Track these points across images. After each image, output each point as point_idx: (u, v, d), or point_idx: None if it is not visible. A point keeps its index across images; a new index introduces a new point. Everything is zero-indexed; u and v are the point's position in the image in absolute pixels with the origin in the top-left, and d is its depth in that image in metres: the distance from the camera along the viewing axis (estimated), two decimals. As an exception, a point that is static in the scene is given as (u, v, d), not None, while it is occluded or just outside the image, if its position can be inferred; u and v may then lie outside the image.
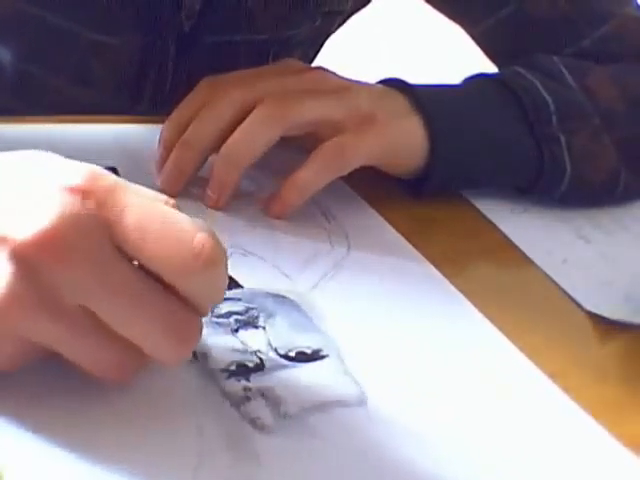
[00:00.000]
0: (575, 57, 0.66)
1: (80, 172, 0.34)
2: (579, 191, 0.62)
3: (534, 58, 0.65)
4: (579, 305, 0.51)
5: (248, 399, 0.37)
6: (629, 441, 0.41)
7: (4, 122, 0.57)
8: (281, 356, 0.40)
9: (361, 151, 0.53)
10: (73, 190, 0.33)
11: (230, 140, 0.51)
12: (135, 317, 0.34)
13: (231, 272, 0.45)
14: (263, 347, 0.40)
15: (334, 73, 0.56)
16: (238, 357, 0.39)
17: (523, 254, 0.56)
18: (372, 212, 0.56)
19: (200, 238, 0.34)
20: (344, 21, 0.75)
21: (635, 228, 0.62)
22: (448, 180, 0.59)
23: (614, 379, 0.47)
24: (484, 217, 0.59)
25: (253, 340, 0.41)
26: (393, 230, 0.54)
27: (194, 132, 0.52)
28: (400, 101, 0.57)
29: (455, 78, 0.64)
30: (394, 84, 0.58)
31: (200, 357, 0.39)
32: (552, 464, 0.38)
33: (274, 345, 0.41)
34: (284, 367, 0.40)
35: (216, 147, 0.52)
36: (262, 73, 0.55)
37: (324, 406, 0.38)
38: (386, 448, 0.36)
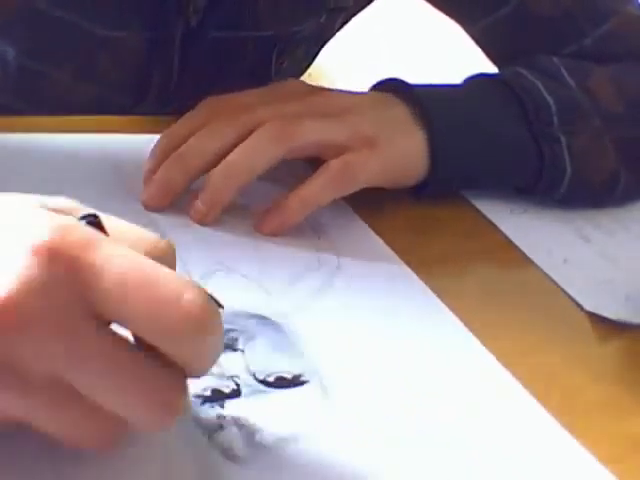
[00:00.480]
0: (576, 56, 0.66)
1: (48, 226, 0.30)
2: (579, 192, 0.62)
3: (535, 59, 0.64)
4: (579, 305, 0.51)
5: (221, 427, 0.36)
6: (629, 441, 0.41)
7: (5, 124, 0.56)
8: (259, 381, 0.39)
9: (367, 171, 0.53)
10: (39, 250, 0.30)
11: (230, 157, 0.50)
12: (113, 387, 0.31)
13: (212, 290, 0.44)
14: (241, 372, 0.39)
15: (337, 91, 0.56)
16: (213, 382, 0.38)
17: (523, 254, 0.55)
18: (363, 226, 0.54)
19: (189, 297, 0.30)
20: (348, 20, 0.74)
21: (635, 228, 0.62)
22: (447, 184, 0.59)
23: (614, 379, 0.47)
24: (484, 217, 0.59)
25: (230, 364, 0.39)
26: (385, 246, 0.52)
27: (190, 147, 0.51)
28: (402, 114, 0.56)
29: (455, 78, 0.63)
30: (394, 87, 0.58)
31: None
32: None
33: (252, 369, 0.39)
34: (261, 393, 0.38)
35: (210, 167, 0.50)
36: (265, 95, 0.54)
37: (299, 436, 0.36)
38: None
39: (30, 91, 0.65)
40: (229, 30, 0.65)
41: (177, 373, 0.32)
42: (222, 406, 0.37)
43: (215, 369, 0.38)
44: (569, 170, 0.61)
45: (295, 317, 0.44)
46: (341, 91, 0.57)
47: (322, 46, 0.75)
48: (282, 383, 0.39)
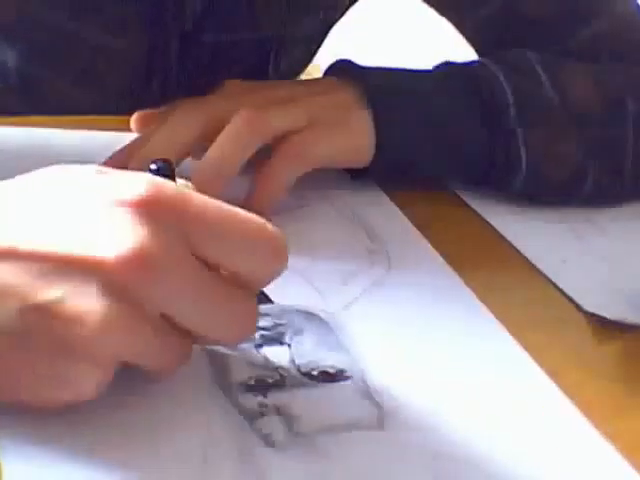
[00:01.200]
0: (562, 55, 0.65)
1: (139, 183, 0.33)
2: (537, 187, 0.61)
3: (507, 52, 0.64)
4: (578, 305, 0.51)
5: (262, 415, 0.37)
6: (629, 440, 0.40)
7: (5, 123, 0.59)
8: (303, 374, 0.40)
9: (318, 149, 0.54)
10: (140, 204, 0.33)
11: (212, 152, 0.51)
12: (207, 315, 0.34)
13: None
14: (286, 364, 0.40)
15: (282, 82, 0.59)
16: (258, 372, 0.39)
17: (522, 254, 0.56)
18: (417, 233, 0.55)
19: (271, 230, 0.35)
20: (343, 14, 0.75)
21: (634, 229, 0.61)
22: (392, 169, 0.59)
23: (613, 379, 0.46)
24: (482, 218, 0.60)
25: (276, 356, 0.40)
26: (436, 253, 0.53)
27: (155, 142, 0.51)
28: (350, 96, 0.57)
29: None
30: (347, 69, 0.59)
31: (220, 369, 0.39)
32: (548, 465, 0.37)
33: (297, 363, 0.40)
34: (305, 385, 0.39)
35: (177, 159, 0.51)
36: (222, 93, 0.55)
37: (340, 427, 0.37)
38: (397, 474, 0.35)
39: (31, 96, 0.66)
40: (226, 32, 0.66)
41: (249, 294, 0.36)
42: (265, 395, 0.38)
43: (261, 360, 0.40)
44: (524, 164, 0.60)
45: (343, 315, 0.45)
46: (287, 81, 0.61)
47: (319, 45, 0.76)
48: (326, 377, 0.40)
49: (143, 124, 0.57)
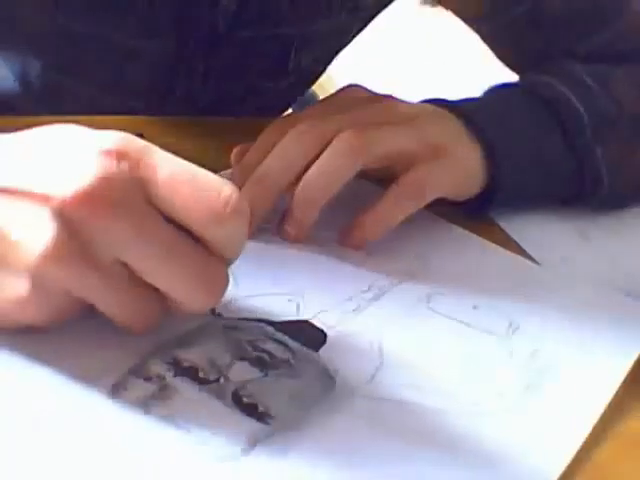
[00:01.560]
0: (587, 55, 0.67)
1: (112, 137, 0.38)
2: (614, 199, 0.64)
3: (557, 64, 0.65)
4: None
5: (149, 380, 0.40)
6: (629, 440, 0.43)
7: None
8: (233, 394, 0.41)
9: (439, 183, 0.54)
10: (109, 153, 0.37)
11: (308, 175, 0.50)
12: (167, 267, 0.38)
13: (332, 346, 0.46)
14: (236, 379, 0.41)
15: (399, 99, 0.55)
16: (203, 363, 0.42)
17: (523, 252, 0.58)
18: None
19: (227, 190, 0.38)
20: (366, 23, 0.71)
21: (635, 226, 0.64)
22: (507, 197, 0.60)
23: None
24: (487, 217, 0.61)
25: (240, 371, 0.42)
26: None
27: (267, 169, 0.51)
28: (459, 126, 0.58)
29: (466, 86, 0.65)
30: (441, 104, 0.59)
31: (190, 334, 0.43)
32: None
33: (245, 386, 0.41)
34: (218, 397, 0.40)
35: (290, 185, 0.51)
36: (328, 105, 0.54)
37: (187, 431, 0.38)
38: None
39: (55, 102, 0.67)
40: (252, 29, 0.63)
41: (220, 260, 0.39)
42: (175, 375, 0.41)
43: (221, 359, 0.42)
44: (605, 180, 0.62)
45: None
46: (401, 100, 0.56)
47: (340, 49, 0.72)
48: (246, 409, 0.40)
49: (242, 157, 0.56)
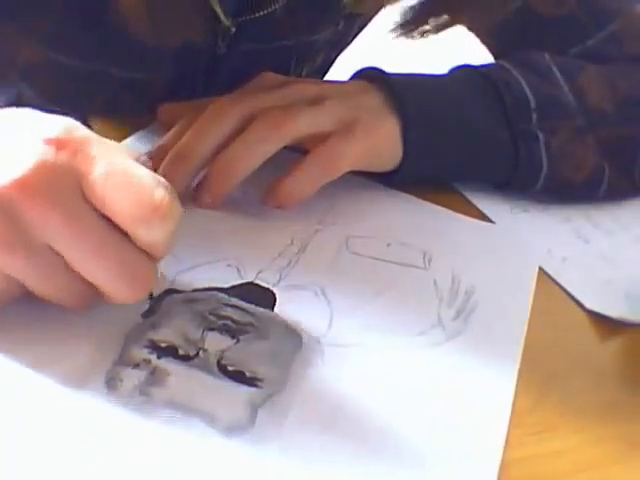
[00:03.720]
0: (579, 56, 0.66)
1: (57, 125, 0.38)
2: (557, 190, 0.62)
3: (525, 54, 0.64)
4: (580, 304, 0.52)
5: (135, 365, 0.40)
6: (629, 440, 0.42)
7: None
8: (218, 364, 0.41)
9: (350, 156, 0.54)
10: (49, 141, 0.37)
11: (230, 151, 0.52)
12: (94, 258, 0.38)
13: (283, 302, 0.47)
14: (212, 350, 0.42)
15: (313, 80, 0.58)
16: (177, 341, 0.42)
17: (522, 251, 0.56)
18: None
19: (159, 193, 0.38)
20: (366, 24, 0.74)
21: (635, 227, 0.62)
22: (419, 172, 0.59)
23: (614, 378, 0.47)
24: (484, 216, 0.60)
25: (213, 342, 0.42)
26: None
27: (184, 147, 0.52)
28: (377, 100, 0.57)
29: None
30: (372, 75, 0.58)
31: (152, 321, 0.43)
32: None
33: (224, 355, 0.42)
34: (206, 372, 0.40)
35: (208, 162, 0.52)
36: (247, 91, 0.55)
37: (195, 413, 0.38)
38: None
39: None
40: (253, 46, 0.65)
41: (147, 257, 0.39)
42: (159, 357, 0.41)
43: (192, 335, 0.42)
44: (545, 168, 0.61)
45: (330, 350, 0.45)
46: (317, 80, 0.59)
47: (340, 52, 0.75)
48: (235, 376, 0.41)
49: (169, 117, 0.58)
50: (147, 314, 0.43)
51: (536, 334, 0.48)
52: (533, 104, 0.60)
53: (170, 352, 0.41)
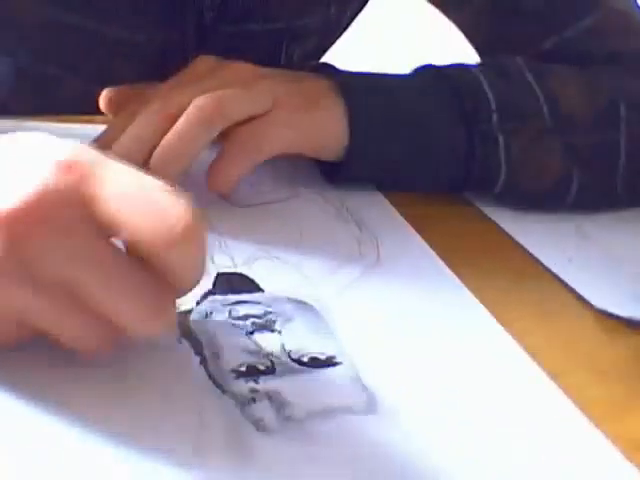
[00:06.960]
0: (556, 49, 0.65)
1: (65, 148, 0.35)
2: (517, 194, 0.60)
3: (497, 57, 0.63)
4: (588, 303, 0.51)
5: (254, 400, 0.37)
6: (632, 440, 0.40)
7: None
8: (293, 360, 0.40)
9: (275, 137, 0.53)
10: (57, 164, 0.34)
11: (165, 143, 0.50)
12: (109, 289, 0.34)
13: (253, 275, 0.46)
14: (277, 350, 0.41)
15: (249, 64, 0.56)
16: (250, 359, 0.40)
17: (527, 252, 0.56)
18: (406, 225, 0.55)
19: (179, 212, 0.33)
20: (357, 13, 0.75)
21: (638, 227, 0.61)
22: (364, 169, 0.57)
23: (621, 377, 0.46)
24: (485, 216, 0.60)
25: (267, 343, 0.41)
26: (426, 246, 0.53)
27: (121, 150, 0.51)
28: (323, 87, 0.56)
29: None
30: (324, 68, 0.59)
31: (211, 356, 0.39)
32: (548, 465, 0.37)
33: (288, 349, 0.41)
34: (295, 371, 0.40)
35: (148, 156, 0.51)
36: (182, 77, 0.55)
37: (330, 412, 0.38)
38: (388, 457, 0.36)
39: (47, 95, 0.66)
40: (241, 24, 0.65)
41: (167, 285, 0.35)
42: (256, 382, 0.38)
43: (253, 347, 0.40)
44: (504, 171, 0.58)
45: (333, 303, 0.45)
46: (252, 64, 0.58)
47: (333, 41, 0.76)
48: (316, 363, 0.40)
49: (112, 106, 0.57)
50: (196, 351, 0.40)
51: (541, 333, 0.48)
52: (494, 105, 0.58)
53: (254, 372, 0.39)
